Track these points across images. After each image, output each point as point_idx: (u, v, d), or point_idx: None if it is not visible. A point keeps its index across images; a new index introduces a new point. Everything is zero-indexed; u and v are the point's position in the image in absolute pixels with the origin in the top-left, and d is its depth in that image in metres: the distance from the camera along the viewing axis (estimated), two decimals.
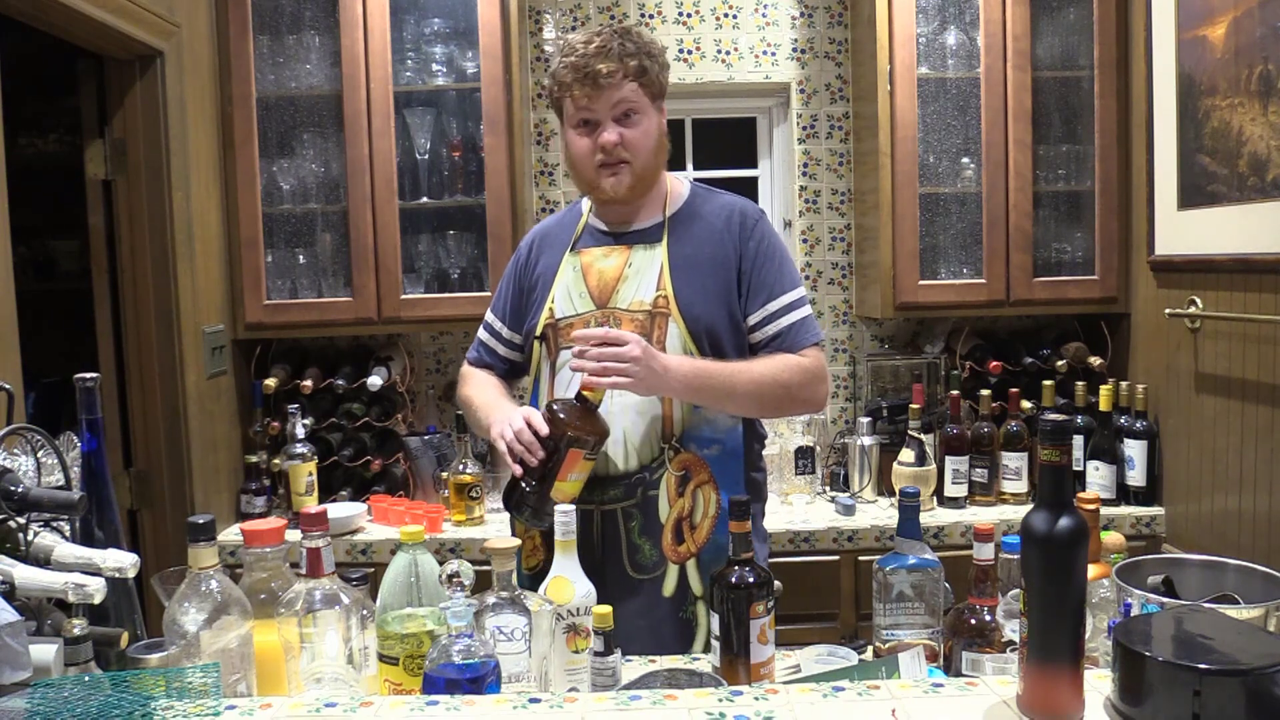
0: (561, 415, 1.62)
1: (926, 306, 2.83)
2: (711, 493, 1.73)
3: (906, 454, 2.68)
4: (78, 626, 1.19)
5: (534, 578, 1.72)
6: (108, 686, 1.13)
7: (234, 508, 2.81)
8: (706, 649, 1.67)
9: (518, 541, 1.39)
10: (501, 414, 1.72)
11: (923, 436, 2.67)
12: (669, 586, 1.72)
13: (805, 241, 3.16)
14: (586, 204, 1.90)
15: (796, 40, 3.11)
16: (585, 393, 1.63)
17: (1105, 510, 2.46)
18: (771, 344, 1.76)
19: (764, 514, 1.91)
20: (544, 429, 1.61)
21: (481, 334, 1.97)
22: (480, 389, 1.89)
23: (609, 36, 1.73)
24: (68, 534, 1.34)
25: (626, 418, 1.71)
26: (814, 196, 3.15)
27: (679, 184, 1.87)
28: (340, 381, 2.82)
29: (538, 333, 1.82)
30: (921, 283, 2.80)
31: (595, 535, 1.72)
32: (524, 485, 1.63)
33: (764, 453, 1.91)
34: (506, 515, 2.75)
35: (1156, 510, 2.65)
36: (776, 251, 1.80)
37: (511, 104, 2.73)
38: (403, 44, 2.79)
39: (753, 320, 1.77)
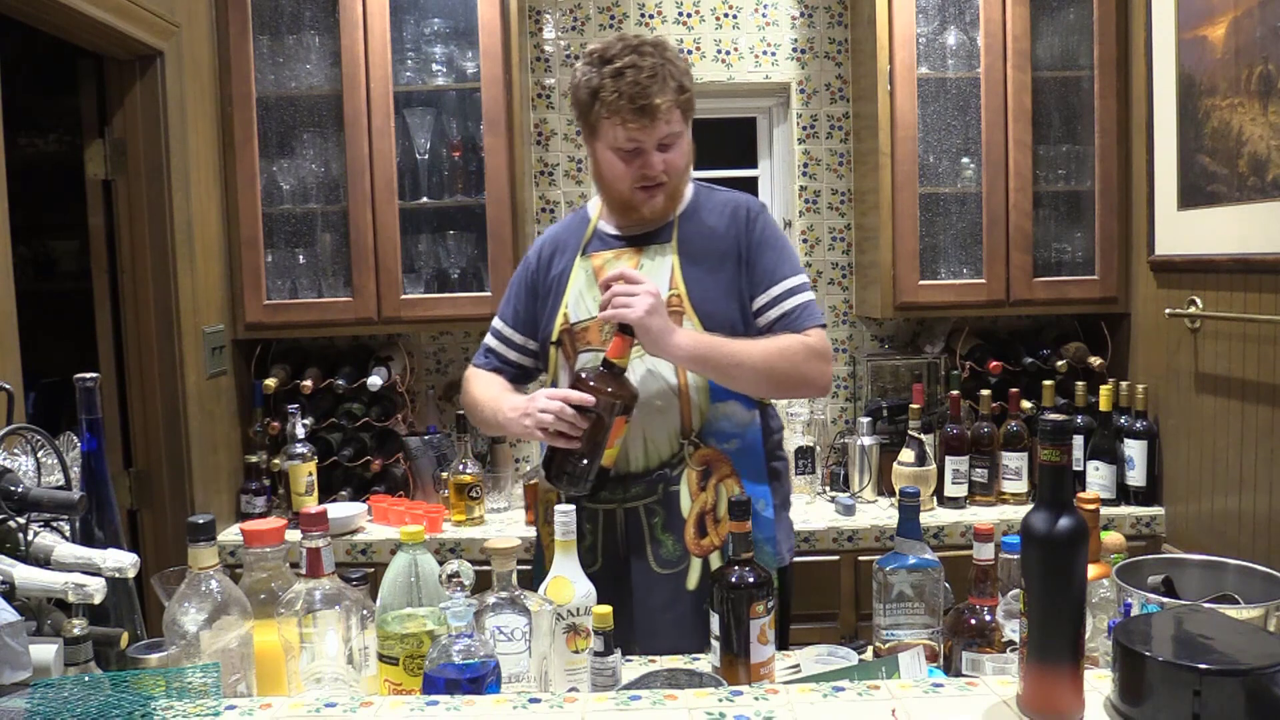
0: (607, 387, 1.62)
1: (926, 306, 2.83)
2: (734, 486, 1.76)
3: (906, 454, 2.68)
4: (78, 626, 1.19)
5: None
6: (108, 686, 1.13)
7: (234, 508, 2.81)
8: None
9: (518, 542, 1.39)
10: (512, 402, 1.74)
11: (923, 436, 2.67)
12: (693, 580, 1.74)
13: (805, 241, 3.16)
14: (594, 208, 1.90)
15: (796, 40, 3.11)
16: (611, 359, 1.64)
17: (1105, 510, 2.47)
18: (775, 326, 1.78)
19: (789, 504, 1.92)
20: (587, 400, 1.61)
21: (489, 340, 1.97)
22: (486, 388, 1.90)
23: (657, 59, 1.69)
24: (68, 534, 1.34)
25: (645, 416, 1.73)
26: (814, 196, 3.15)
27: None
28: (340, 381, 2.82)
29: (554, 338, 1.83)
30: (921, 283, 2.80)
31: (619, 533, 1.75)
32: (574, 458, 1.64)
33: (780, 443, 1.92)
34: (506, 515, 2.79)
35: (1156, 510, 2.65)
36: (777, 240, 1.83)
37: (511, 104, 2.73)
38: (403, 44, 2.79)
39: (756, 305, 1.79)
